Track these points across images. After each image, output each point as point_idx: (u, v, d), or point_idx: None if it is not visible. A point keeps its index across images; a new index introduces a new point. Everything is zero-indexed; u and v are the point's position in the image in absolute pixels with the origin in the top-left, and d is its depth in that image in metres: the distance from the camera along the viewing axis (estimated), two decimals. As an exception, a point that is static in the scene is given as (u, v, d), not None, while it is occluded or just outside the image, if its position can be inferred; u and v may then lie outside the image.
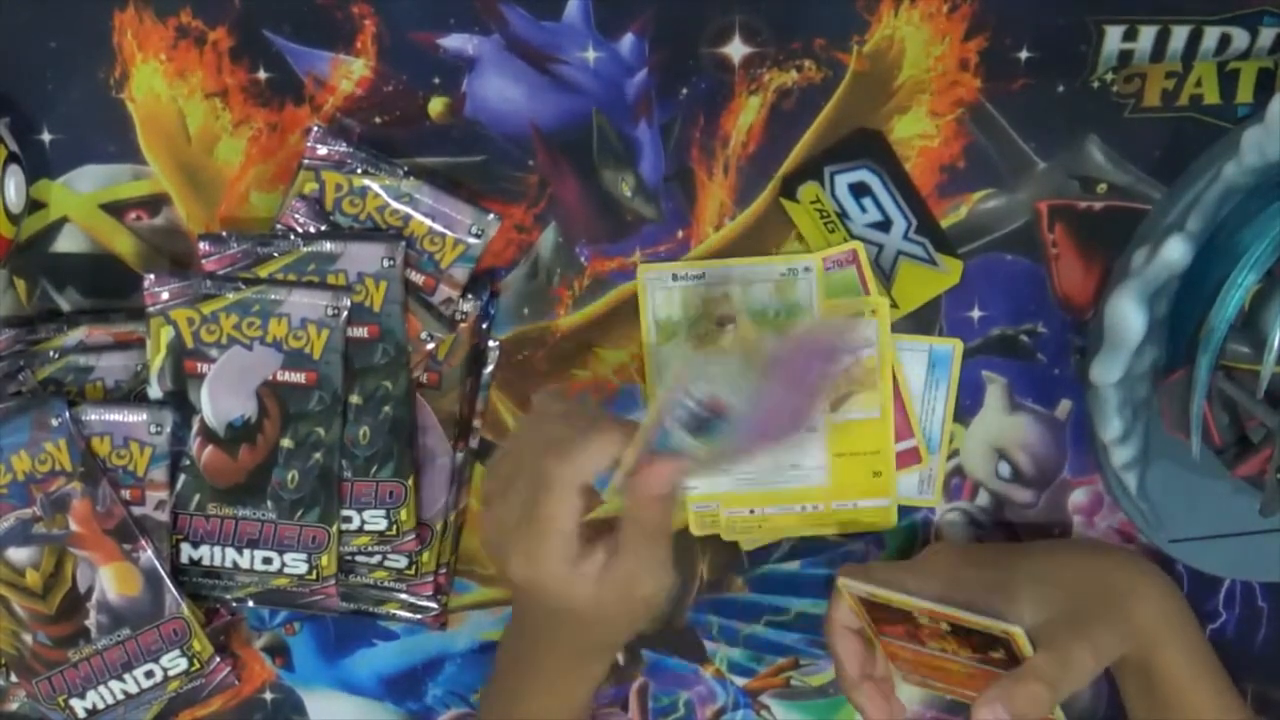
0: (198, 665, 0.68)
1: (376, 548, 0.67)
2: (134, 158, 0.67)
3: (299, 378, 0.65)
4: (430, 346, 0.66)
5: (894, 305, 0.67)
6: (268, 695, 0.74)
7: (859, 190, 0.66)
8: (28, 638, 0.66)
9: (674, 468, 0.55)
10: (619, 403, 0.69)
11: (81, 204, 0.67)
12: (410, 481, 0.66)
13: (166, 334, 0.64)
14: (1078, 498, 0.70)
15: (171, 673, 0.67)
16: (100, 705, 0.67)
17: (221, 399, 0.65)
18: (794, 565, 0.71)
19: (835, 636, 0.64)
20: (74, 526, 0.65)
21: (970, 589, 0.61)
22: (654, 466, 0.55)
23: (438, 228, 0.65)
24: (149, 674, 0.67)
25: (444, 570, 0.70)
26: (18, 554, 0.65)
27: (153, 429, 0.65)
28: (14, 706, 0.71)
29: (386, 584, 0.69)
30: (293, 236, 0.64)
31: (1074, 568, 0.64)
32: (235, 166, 0.67)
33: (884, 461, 0.68)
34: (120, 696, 0.67)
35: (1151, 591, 0.65)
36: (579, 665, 0.62)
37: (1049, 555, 0.65)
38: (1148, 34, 0.63)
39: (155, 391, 0.65)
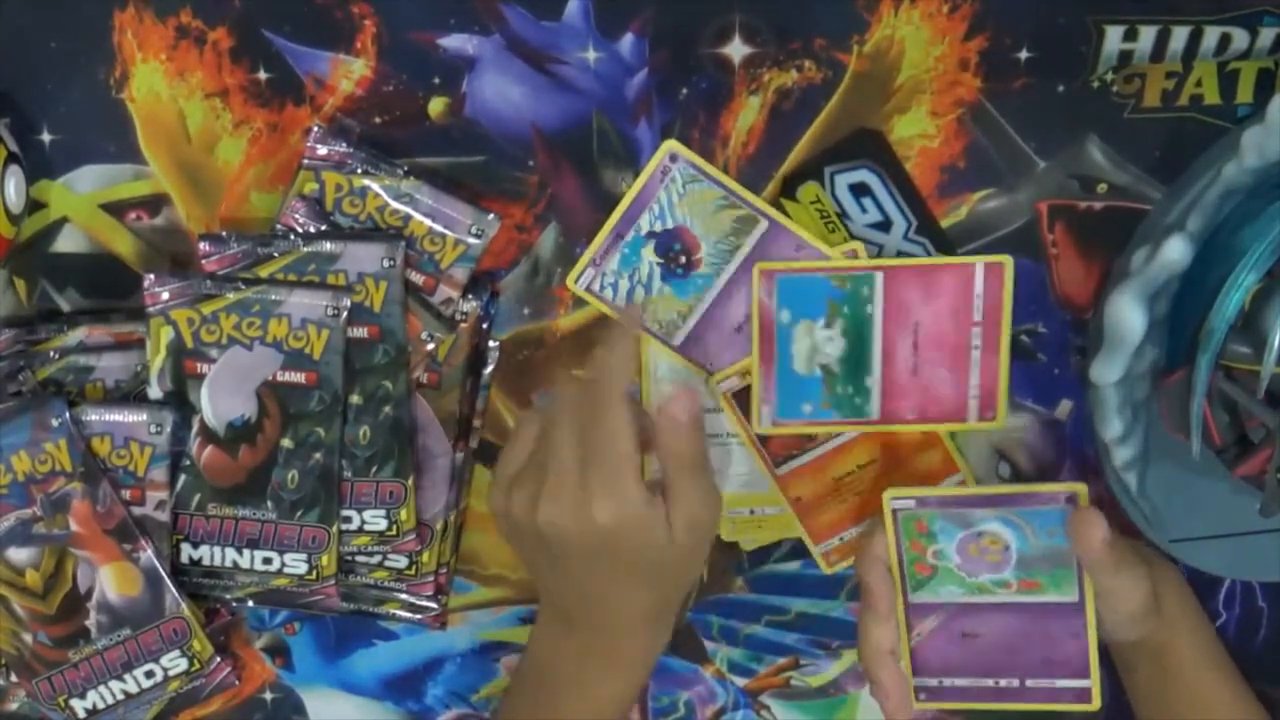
0: (198, 665, 0.68)
1: (376, 548, 0.67)
2: (134, 158, 0.67)
3: (299, 378, 0.65)
4: (430, 347, 0.66)
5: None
6: (268, 695, 0.74)
7: (859, 190, 0.66)
8: (28, 638, 0.66)
9: (693, 393, 0.58)
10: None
11: (81, 204, 0.67)
12: (410, 481, 0.66)
13: (166, 334, 0.64)
14: (1078, 498, 0.70)
15: (172, 673, 0.67)
16: (100, 705, 0.67)
17: (221, 399, 0.65)
18: (794, 565, 0.71)
19: (869, 565, 0.63)
20: (74, 526, 0.65)
21: None
22: (675, 396, 0.58)
23: (438, 228, 0.65)
24: (149, 674, 0.67)
25: (444, 570, 0.70)
26: (18, 554, 0.65)
27: (153, 429, 0.65)
28: (14, 706, 0.71)
29: (386, 584, 0.69)
30: (293, 237, 0.64)
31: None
32: (235, 166, 0.67)
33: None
34: (120, 696, 0.67)
35: (1171, 581, 0.65)
36: (647, 631, 0.62)
37: None
38: (1148, 34, 0.63)
39: (155, 391, 0.65)
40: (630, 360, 0.59)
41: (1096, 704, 0.61)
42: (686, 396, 0.59)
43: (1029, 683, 0.63)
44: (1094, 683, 0.61)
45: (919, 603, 0.63)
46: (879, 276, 0.65)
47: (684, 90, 0.65)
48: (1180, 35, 0.63)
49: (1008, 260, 0.64)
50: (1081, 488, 0.59)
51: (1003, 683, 0.64)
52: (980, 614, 0.62)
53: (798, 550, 0.71)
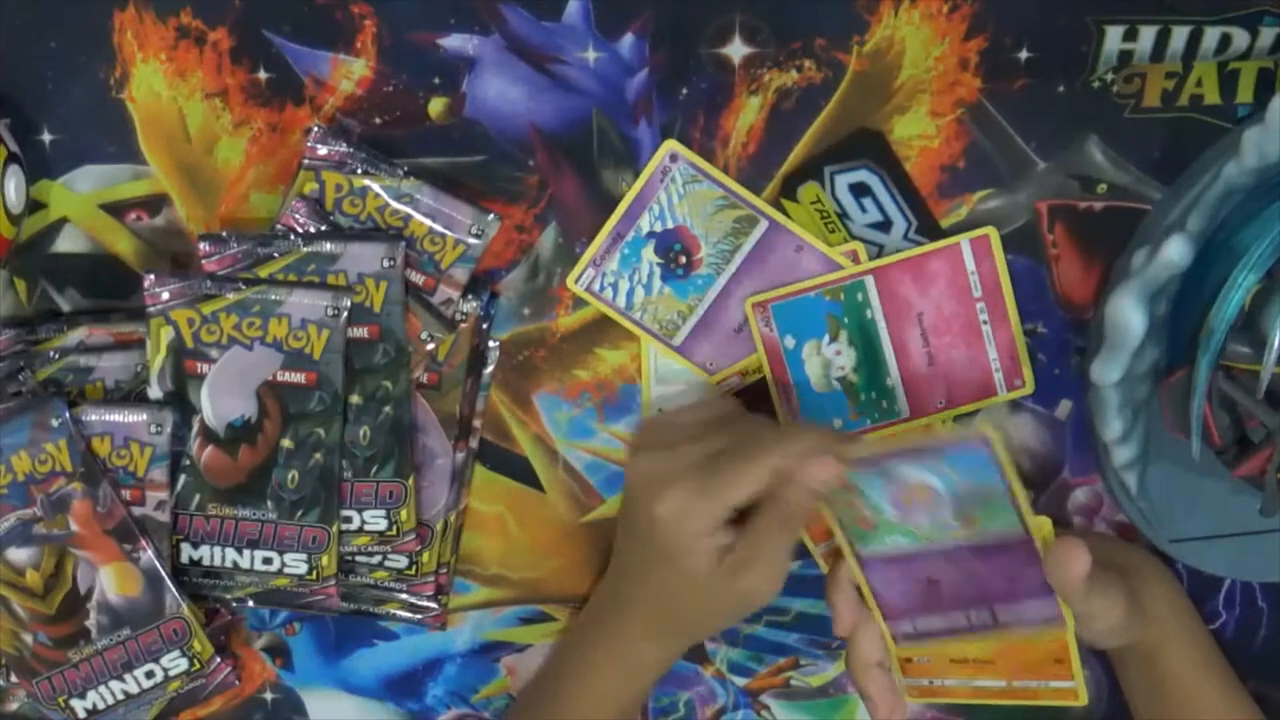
0: (198, 665, 0.68)
1: (377, 548, 0.67)
2: (134, 158, 0.67)
3: (299, 378, 0.65)
4: (430, 347, 0.66)
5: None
6: (268, 695, 0.74)
7: (859, 190, 0.66)
8: (28, 638, 0.66)
9: (837, 469, 0.56)
10: (619, 403, 0.69)
11: (81, 204, 0.67)
12: (410, 481, 0.66)
13: (166, 334, 0.64)
14: (1078, 498, 0.70)
15: (172, 673, 0.67)
16: (100, 705, 0.67)
17: (221, 399, 0.65)
18: (794, 565, 0.71)
19: (834, 591, 0.62)
20: (74, 527, 0.65)
21: None
22: (822, 460, 0.56)
23: (438, 228, 0.65)
24: (149, 674, 0.67)
25: (444, 570, 0.70)
26: (18, 554, 0.65)
27: (153, 429, 0.65)
28: (14, 706, 0.71)
29: (387, 584, 0.69)
30: (293, 237, 0.64)
31: (1095, 550, 0.64)
32: (235, 166, 0.67)
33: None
34: (120, 696, 0.67)
35: (1162, 582, 0.65)
36: (657, 637, 0.64)
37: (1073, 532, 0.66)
38: (1148, 34, 0.63)
39: (155, 392, 0.65)
40: (812, 494, 0.57)
41: (1070, 625, 0.58)
42: (827, 467, 0.56)
43: (999, 610, 0.60)
44: (1062, 607, 0.59)
45: (870, 555, 0.61)
46: (869, 280, 0.65)
47: (684, 90, 0.65)
48: (1180, 35, 0.63)
49: (992, 230, 0.65)
50: (995, 434, 0.54)
51: (974, 616, 0.62)
52: (934, 559, 0.60)
53: (798, 550, 0.71)
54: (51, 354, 0.66)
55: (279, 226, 0.65)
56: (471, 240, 0.65)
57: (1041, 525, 0.55)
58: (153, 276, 0.64)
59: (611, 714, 0.65)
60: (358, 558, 0.68)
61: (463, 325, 0.66)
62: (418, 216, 0.65)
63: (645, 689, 0.67)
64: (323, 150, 0.64)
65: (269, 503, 0.65)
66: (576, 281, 0.67)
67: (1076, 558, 0.55)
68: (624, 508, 0.66)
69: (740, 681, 0.74)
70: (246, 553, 0.66)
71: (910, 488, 0.57)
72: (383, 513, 0.66)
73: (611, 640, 0.65)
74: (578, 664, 0.66)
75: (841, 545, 0.61)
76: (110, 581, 0.66)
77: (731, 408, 0.65)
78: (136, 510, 0.65)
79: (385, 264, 0.64)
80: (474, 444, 0.69)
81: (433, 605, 0.70)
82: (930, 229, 0.66)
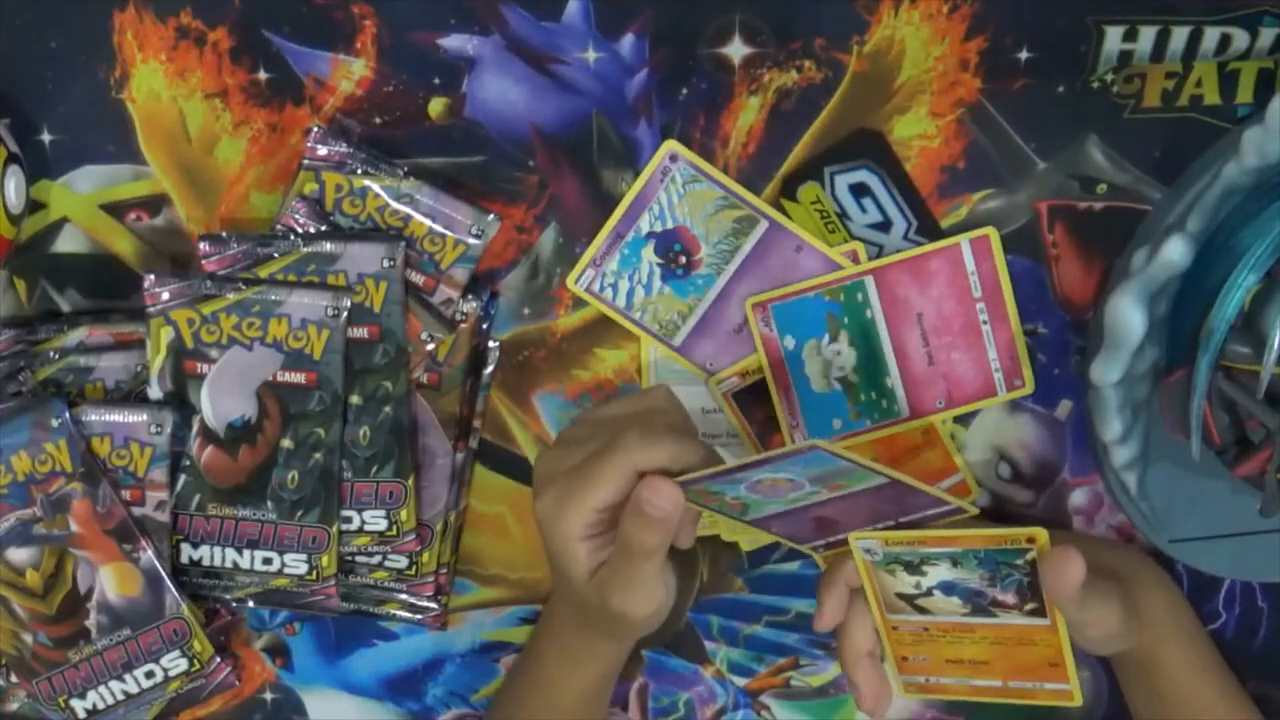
0: (198, 665, 0.68)
1: (377, 548, 0.67)
2: (134, 158, 0.67)
3: (299, 378, 0.65)
4: (430, 347, 0.66)
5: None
6: (268, 695, 0.74)
7: (859, 190, 0.66)
8: (28, 638, 0.66)
9: (674, 497, 0.53)
10: (619, 403, 0.69)
11: (81, 204, 0.67)
12: (410, 482, 0.66)
13: (166, 334, 0.64)
14: (1078, 498, 0.70)
15: (172, 673, 0.67)
16: (100, 705, 0.67)
17: (221, 399, 0.65)
18: (794, 565, 0.71)
19: (829, 591, 0.60)
20: (74, 527, 0.65)
21: None
22: (654, 485, 0.54)
23: (438, 228, 0.65)
24: (149, 674, 0.67)
25: (444, 570, 0.70)
26: (18, 554, 0.65)
27: (153, 429, 0.65)
28: (14, 707, 0.71)
29: (387, 584, 0.69)
30: (293, 237, 0.64)
31: (1090, 556, 0.64)
32: (235, 167, 0.67)
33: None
34: (120, 697, 0.67)
35: (1159, 586, 0.65)
36: (589, 636, 0.64)
37: (1071, 537, 0.66)
38: (1148, 34, 0.63)
39: (155, 392, 0.65)
40: (683, 462, 0.55)
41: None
42: (657, 490, 0.53)
43: (903, 520, 0.58)
44: (965, 476, 0.58)
45: (755, 519, 0.59)
46: (869, 280, 0.65)
47: (684, 90, 0.65)
48: (1180, 35, 0.63)
49: (992, 231, 0.65)
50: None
51: (880, 528, 0.59)
52: (816, 509, 0.58)
53: (797, 550, 0.71)
54: (51, 354, 0.66)
55: (279, 226, 0.65)
56: (471, 240, 0.65)
57: (1037, 535, 0.55)
58: (153, 276, 0.64)
59: (570, 704, 0.65)
60: (358, 558, 0.68)
61: (463, 325, 0.66)
62: (418, 216, 0.65)
63: (600, 677, 0.66)
64: (323, 150, 0.64)
65: (269, 503, 0.65)
66: (576, 282, 0.67)
67: (1071, 567, 0.53)
68: None
69: (740, 681, 0.74)
70: (246, 553, 0.66)
71: (765, 483, 0.55)
72: (383, 513, 0.66)
73: (552, 633, 0.66)
74: (531, 657, 0.68)
75: (719, 522, 0.60)
76: (110, 581, 0.66)
77: (661, 399, 0.60)
78: (136, 510, 0.65)
79: (385, 264, 0.64)
80: (474, 444, 0.69)
81: (433, 605, 0.70)
82: (930, 229, 0.66)
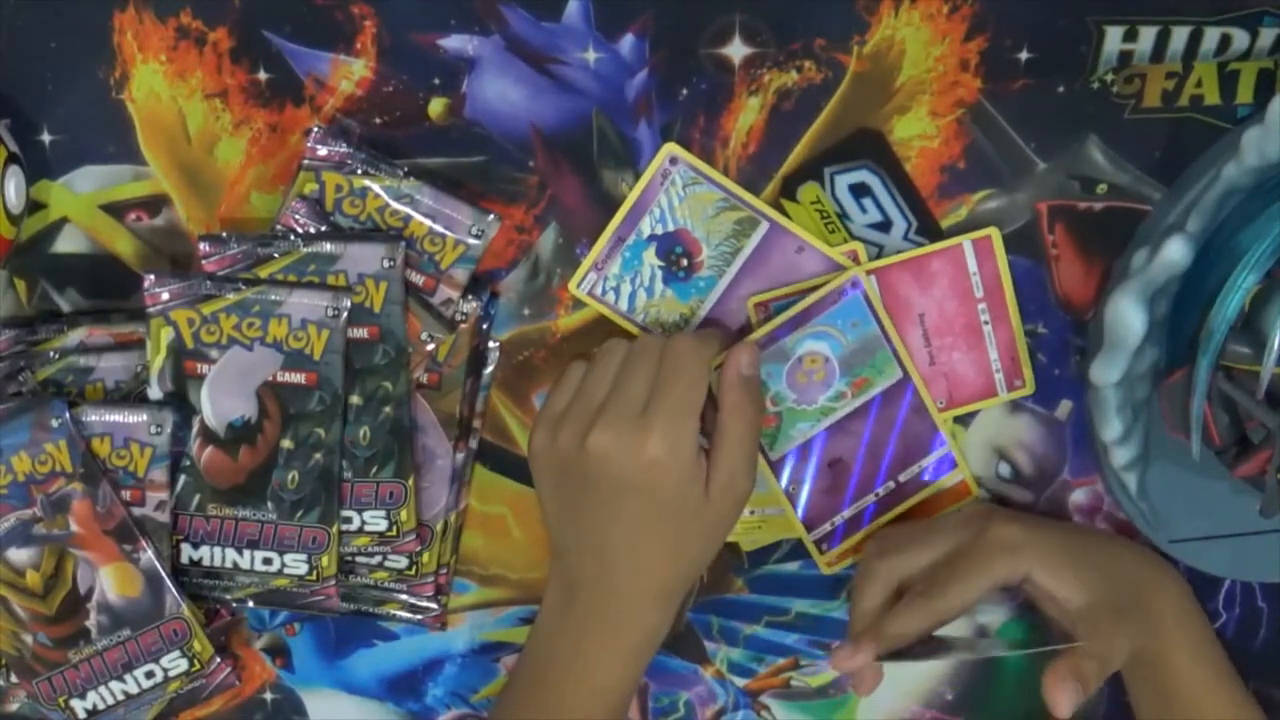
0: (198, 666, 0.68)
1: (377, 548, 0.67)
2: (134, 158, 0.67)
3: (299, 378, 0.65)
4: (430, 347, 0.66)
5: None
6: (268, 695, 0.74)
7: (859, 191, 0.66)
8: (28, 638, 0.66)
9: (754, 348, 0.60)
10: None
11: (81, 204, 0.67)
12: (410, 482, 0.66)
13: (166, 335, 0.64)
14: (1078, 498, 0.70)
15: (172, 673, 0.67)
16: (100, 706, 0.67)
17: (221, 400, 0.65)
18: (794, 566, 0.71)
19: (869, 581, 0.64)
20: (74, 527, 0.65)
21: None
22: (742, 348, 0.60)
23: (438, 228, 0.65)
24: (149, 674, 0.67)
25: (444, 571, 0.70)
26: (18, 554, 0.65)
27: (153, 430, 0.65)
28: (14, 707, 0.71)
29: (387, 584, 0.69)
30: (293, 237, 0.64)
31: (1107, 553, 0.64)
32: (235, 167, 0.67)
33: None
34: (120, 697, 0.67)
35: (1170, 588, 0.65)
36: (655, 609, 0.61)
37: (1082, 536, 0.66)
38: (1148, 34, 0.63)
39: (155, 392, 0.65)
40: (719, 345, 0.61)
41: (965, 474, 0.66)
42: (749, 351, 0.60)
43: (903, 478, 0.66)
44: (952, 448, 0.66)
45: (779, 456, 0.66)
46: (871, 280, 0.65)
47: (684, 90, 0.65)
48: (1180, 35, 0.63)
49: (994, 231, 0.65)
50: (860, 271, 0.63)
51: (880, 491, 0.67)
52: (834, 437, 0.65)
53: (798, 550, 0.71)
54: (51, 354, 0.66)
55: (279, 227, 0.65)
56: (471, 240, 0.65)
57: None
58: (153, 277, 0.64)
59: (616, 702, 0.62)
60: (358, 558, 0.68)
61: (463, 325, 0.66)
62: (418, 217, 0.65)
63: (649, 660, 0.63)
64: (323, 151, 0.64)
65: (269, 503, 0.65)
66: (579, 286, 0.67)
67: (1070, 692, 0.58)
68: (569, 503, 0.61)
69: (740, 682, 0.74)
70: (246, 553, 0.66)
71: (805, 363, 0.62)
72: (383, 513, 0.66)
73: (609, 630, 0.60)
74: (570, 661, 0.61)
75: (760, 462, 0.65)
76: (110, 582, 0.66)
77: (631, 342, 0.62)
78: (136, 511, 0.65)
79: (385, 264, 0.64)
80: (474, 444, 0.69)
81: (432, 606, 0.70)
82: (930, 229, 0.66)
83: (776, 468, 0.66)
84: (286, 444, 0.65)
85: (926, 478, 0.67)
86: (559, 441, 0.59)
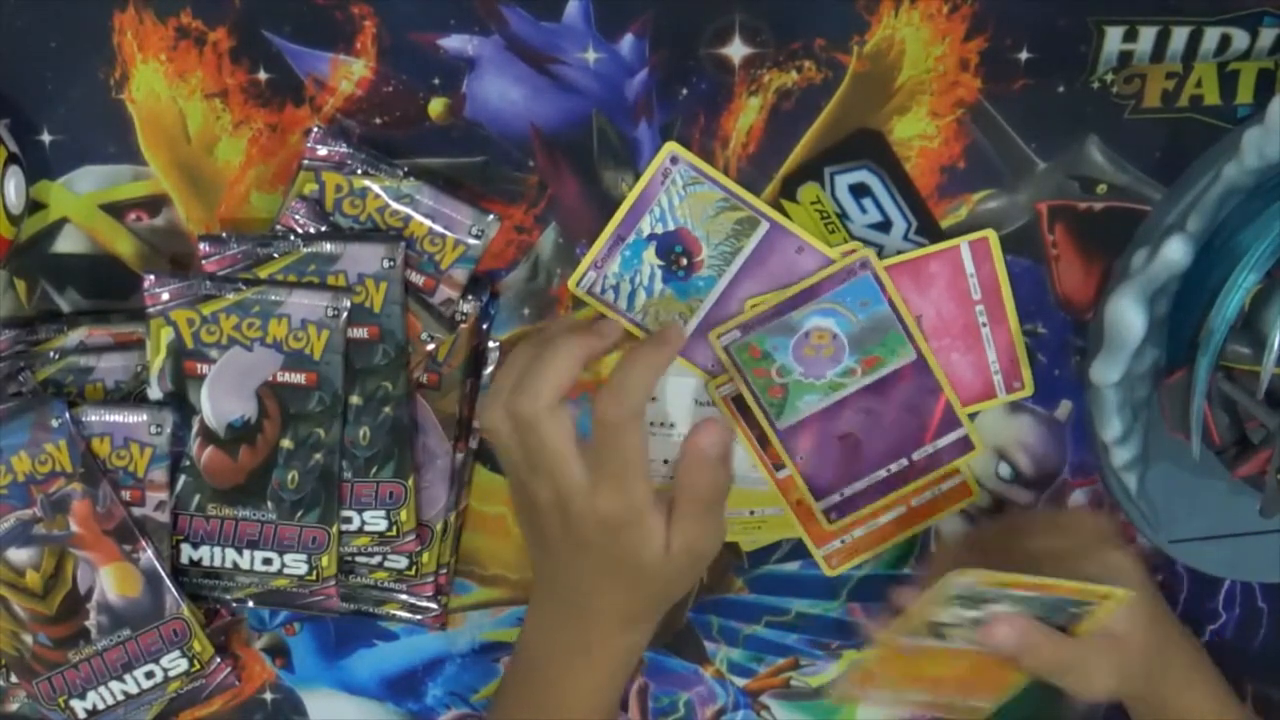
0: (198, 666, 0.68)
1: (377, 548, 0.67)
2: (134, 158, 0.67)
3: (299, 378, 0.65)
4: (430, 347, 0.66)
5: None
6: (268, 696, 0.74)
7: (859, 191, 0.66)
8: (28, 638, 0.66)
9: (725, 427, 0.57)
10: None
11: (81, 205, 0.67)
12: (410, 482, 0.66)
13: (166, 335, 0.64)
14: (1078, 498, 0.70)
15: (172, 673, 0.67)
16: (100, 706, 0.67)
17: (221, 400, 0.65)
18: (794, 566, 0.71)
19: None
20: (74, 527, 0.65)
21: None
22: (707, 427, 0.57)
23: (438, 228, 0.65)
24: (149, 675, 0.67)
25: (444, 571, 0.70)
26: (18, 555, 0.65)
27: (153, 430, 0.65)
28: (14, 707, 0.71)
29: (387, 585, 0.69)
30: (293, 237, 0.64)
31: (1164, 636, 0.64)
32: (235, 167, 0.67)
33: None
34: (120, 697, 0.67)
35: (1182, 647, 0.66)
36: (625, 629, 0.61)
37: (1170, 624, 0.66)
38: (1148, 35, 0.63)
39: (155, 392, 0.65)
40: (658, 374, 0.57)
41: (979, 449, 0.66)
42: (718, 430, 0.57)
43: (916, 456, 0.66)
44: (968, 429, 0.66)
45: (787, 426, 0.66)
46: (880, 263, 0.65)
47: (684, 90, 0.65)
48: (1180, 36, 0.63)
49: (992, 234, 0.65)
50: (869, 252, 0.62)
51: (894, 468, 0.67)
52: (843, 412, 0.65)
53: (798, 551, 0.71)
54: (51, 354, 0.66)
55: (279, 227, 0.65)
56: (471, 241, 0.65)
57: (1118, 596, 0.57)
58: (153, 277, 0.64)
59: (606, 710, 0.63)
60: (358, 558, 0.68)
61: (463, 326, 0.66)
62: (418, 217, 0.65)
63: (631, 670, 0.65)
64: (323, 151, 0.64)
65: (269, 503, 0.65)
66: (578, 284, 0.67)
67: (996, 629, 0.57)
68: (532, 540, 0.62)
69: (740, 682, 0.74)
70: (246, 553, 0.66)
71: (812, 338, 0.62)
72: (383, 513, 0.66)
73: (586, 651, 0.61)
74: (555, 674, 0.63)
75: (764, 427, 0.65)
76: (110, 582, 0.65)
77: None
78: (136, 511, 0.65)
79: (385, 264, 0.64)
80: (474, 444, 0.69)
81: (432, 606, 0.70)
82: (930, 229, 0.66)
83: (783, 438, 0.66)
84: (286, 444, 0.65)
85: (941, 458, 0.67)
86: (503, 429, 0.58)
